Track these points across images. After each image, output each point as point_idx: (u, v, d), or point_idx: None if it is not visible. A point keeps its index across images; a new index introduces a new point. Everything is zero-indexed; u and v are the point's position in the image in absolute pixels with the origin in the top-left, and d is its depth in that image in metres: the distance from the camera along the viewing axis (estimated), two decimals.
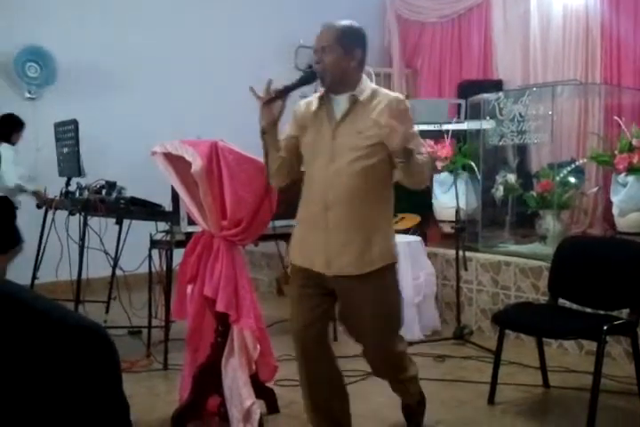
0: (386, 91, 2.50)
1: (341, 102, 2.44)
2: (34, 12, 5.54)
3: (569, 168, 4.66)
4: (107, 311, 4.60)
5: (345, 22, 2.45)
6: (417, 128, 2.50)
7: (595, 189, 5.06)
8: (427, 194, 5.33)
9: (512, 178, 4.82)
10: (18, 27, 5.47)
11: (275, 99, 2.38)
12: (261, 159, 2.93)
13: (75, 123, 4.42)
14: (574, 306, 3.32)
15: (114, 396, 0.77)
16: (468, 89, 5.85)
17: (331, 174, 2.41)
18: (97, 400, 0.74)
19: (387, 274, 2.52)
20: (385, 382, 2.77)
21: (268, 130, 2.45)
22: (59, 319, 0.74)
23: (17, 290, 0.77)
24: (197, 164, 2.73)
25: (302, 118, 2.52)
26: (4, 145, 5.00)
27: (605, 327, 2.85)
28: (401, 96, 2.49)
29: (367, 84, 2.46)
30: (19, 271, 4.78)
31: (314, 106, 2.49)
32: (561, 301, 3.32)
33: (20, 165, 5.04)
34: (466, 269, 4.34)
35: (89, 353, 0.73)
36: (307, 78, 2.44)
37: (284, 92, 2.38)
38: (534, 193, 4.63)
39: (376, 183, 2.44)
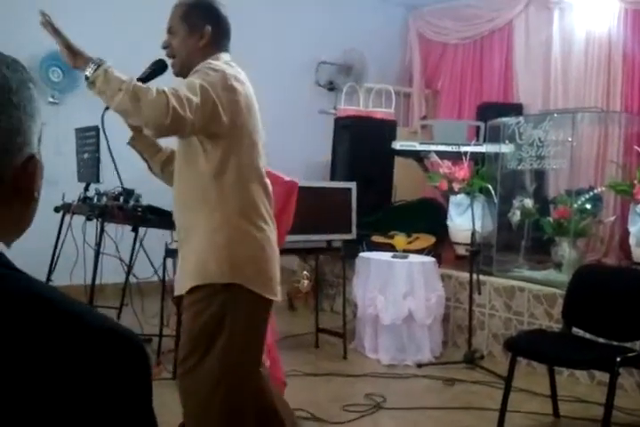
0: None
1: None
2: (60, 17, 5.58)
3: (587, 195, 4.64)
4: (118, 318, 4.60)
5: None
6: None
7: (612, 218, 5.04)
8: (442, 215, 5.33)
9: (529, 203, 4.81)
10: (43, 31, 5.51)
11: None
12: (278, 172, 2.93)
13: (96, 129, 4.45)
14: (587, 335, 3.30)
15: (143, 409, 0.72)
16: (487, 111, 5.87)
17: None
18: (125, 411, 0.70)
19: (201, 299, 1.97)
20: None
21: (135, 134, 2.23)
22: (92, 324, 0.71)
23: (48, 290, 0.74)
24: None
25: None
26: None
27: (619, 359, 2.83)
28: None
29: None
30: (33, 274, 4.77)
31: None
32: (574, 329, 3.30)
33: None
34: (479, 293, 4.32)
35: (122, 362, 0.70)
36: (155, 69, 2.15)
37: None
38: (551, 219, 4.62)
39: (193, 174, 2.05)
